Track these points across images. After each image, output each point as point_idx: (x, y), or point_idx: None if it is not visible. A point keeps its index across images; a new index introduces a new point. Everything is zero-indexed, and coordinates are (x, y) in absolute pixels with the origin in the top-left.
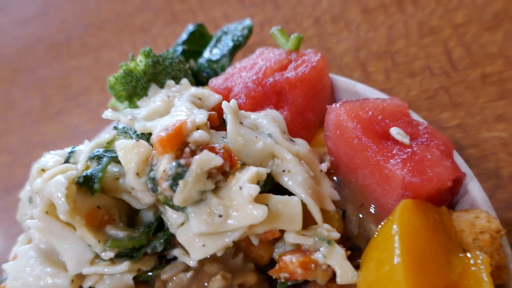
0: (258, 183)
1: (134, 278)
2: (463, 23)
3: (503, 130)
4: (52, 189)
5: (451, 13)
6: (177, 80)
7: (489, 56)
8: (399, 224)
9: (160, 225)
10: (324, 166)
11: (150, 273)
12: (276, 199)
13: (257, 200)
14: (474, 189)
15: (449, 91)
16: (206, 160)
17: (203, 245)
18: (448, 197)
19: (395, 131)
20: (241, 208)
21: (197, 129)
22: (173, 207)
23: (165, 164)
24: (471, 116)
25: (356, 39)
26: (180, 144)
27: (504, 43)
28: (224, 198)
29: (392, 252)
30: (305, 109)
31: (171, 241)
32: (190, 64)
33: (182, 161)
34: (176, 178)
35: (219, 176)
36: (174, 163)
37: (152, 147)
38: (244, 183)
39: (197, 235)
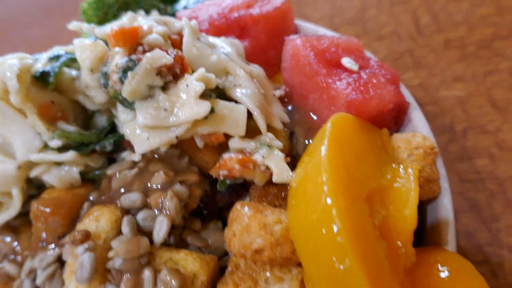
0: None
1: (82, 176)
2: None
3: (460, 90)
4: (5, 68)
5: None
6: (148, 14)
7: (453, 24)
8: (332, 126)
9: (112, 130)
10: (278, 92)
11: (97, 172)
12: (223, 104)
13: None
14: (417, 118)
15: (414, 53)
16: (157, 57)
17: (147, 138)
18: (392, 124)
19: (346, 60)
20: (186, 104)
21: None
22: (122, 102)
23: (117, 60)
24: (432, 77)
25: (332, 8)
26: (134, 44)
27: (468, 11)
28: (172, 95)
29: (319, 148)
30: (267, 46)
31: (121, 143)
32: (166, 9)
33: (134, 57)
34: (126, 70)
35: (169, 77)
36: (125, 59)
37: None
38: (191, 82)
39: (142, 128)
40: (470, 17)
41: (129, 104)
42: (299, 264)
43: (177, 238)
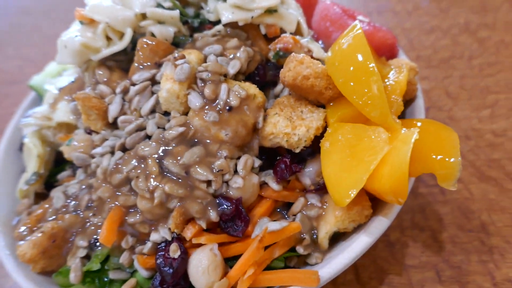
0: None
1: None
2: None
3: (426, 85)
4: None
5: None
6: None
7: (423, 47)
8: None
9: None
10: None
11: (182, 37)
12: (284, 8)
13: None
14: (403, 57)
15: None
16: None
17: (233, 13)
18: (387, 56)
19: (360, 17)
20: None
21: None
22: None
23: None
24: None
25: None
26: None
27: (434, 41)
28: None
29: (351, 35)
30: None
31: (204, 26)
32: None
33: None
34: None
35: None
36: None
37: None
38: None
39: (231, 6)
40: (435, 44)
41: None
42: (323, 107)
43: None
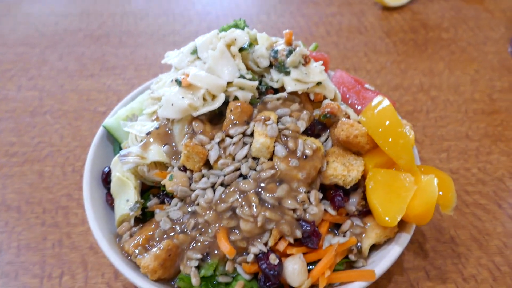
0: None
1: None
2: None
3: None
4: (239, 33)
5: None
6: None
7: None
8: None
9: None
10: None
11: (255, 100)
12: (326, 81)
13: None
14: None
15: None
16: (304, 51)
17: (295, 85)
18: None
19: (367, 85)
20: (315, 73)
21: None
22: (280, 68)
23: (282, 46)
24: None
25: None
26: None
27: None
28: (307, 68)
29: (380, 102)
30: None
31: (267, 90)
32: None
33: (292, 48)
34: (290, 52)
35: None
36: (287, 48)
37: None
38: (316, 65)
39: (293, 79)
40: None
41: (284, 69)
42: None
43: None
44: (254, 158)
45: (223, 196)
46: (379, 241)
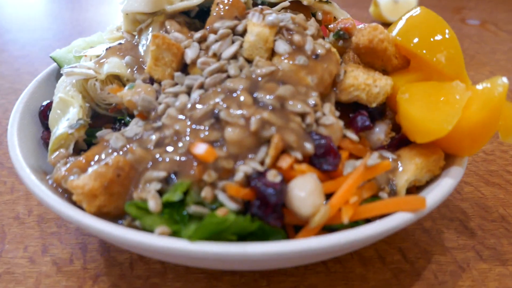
0: None
1: None
2: None
3: None
4: None
5: None
6: None
7: None
8: None
9: None
10: None
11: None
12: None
13: None
14: None
15: None
16: None
17: None
18: None
19: None
20: None
21: None
22: None
23: None
24: None
25: None
26: None
27: None
28: None
29: None
30: None
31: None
32: None
33: None
34: None
35: None
36: None
37: None
38: None
39: None
40: None
41: None
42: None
43: None
44: (246, 61)
45: (201, 98)
46: (420, 177)
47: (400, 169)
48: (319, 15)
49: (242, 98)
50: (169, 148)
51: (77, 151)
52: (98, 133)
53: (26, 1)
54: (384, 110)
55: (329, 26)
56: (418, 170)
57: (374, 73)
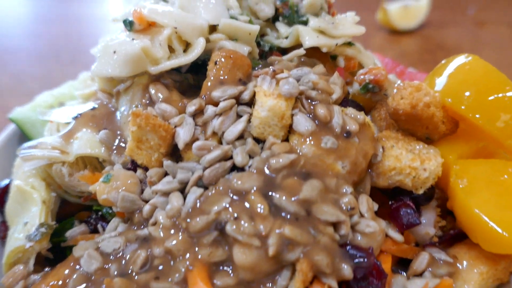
0: None
1: None
2: None
3: None
4: None
5: None
6: None
7: None
8: None
9: None
10: None
11: (254, 61)
12: (360, 45)
13: None
14: None
15: None
16: None
17: (317, 37)
18: None
19: (411, 68)
20: (347, 24)
21: None
22: (289, 17)
23: None
24: None
25: None
26: None
27: None
28: (334, 19)
29: None
30: None
31: (273, 52)
32: None
33: None
34: None
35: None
36: None
37: None
38: (350, 14)
39: (314, 30)
40: None
41: (298, 18)
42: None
43: None
44: (256, 140)
45: (200, 202)
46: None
47: (460, 277)
48: (341, 61)
49: (254, 205)
50: (161, 275)
51: (41, 261)
52: (68, 233)
53: None
54: (432, 195)
55: (355, 76)
56: (484, 281)
57: (419, 146)
